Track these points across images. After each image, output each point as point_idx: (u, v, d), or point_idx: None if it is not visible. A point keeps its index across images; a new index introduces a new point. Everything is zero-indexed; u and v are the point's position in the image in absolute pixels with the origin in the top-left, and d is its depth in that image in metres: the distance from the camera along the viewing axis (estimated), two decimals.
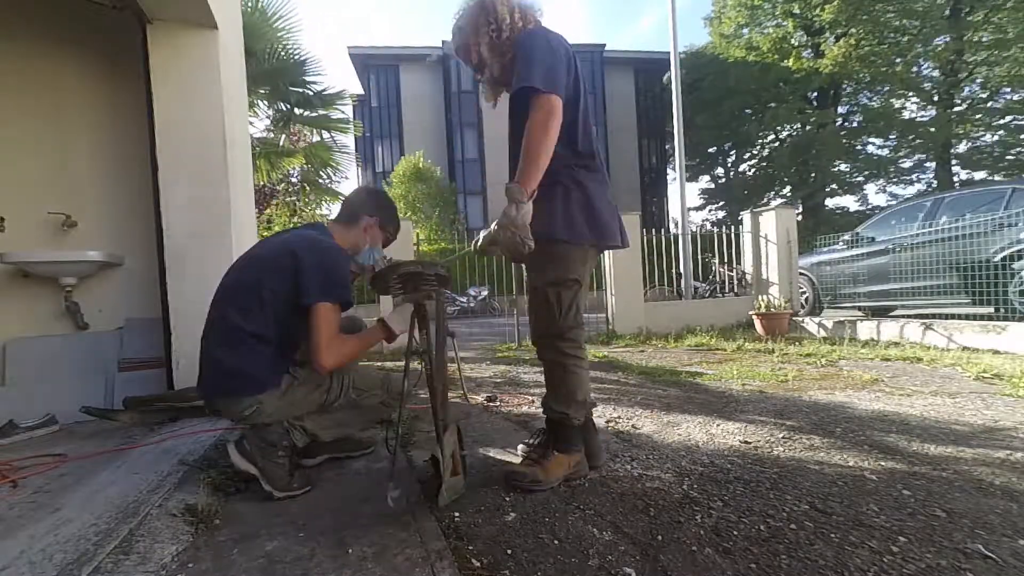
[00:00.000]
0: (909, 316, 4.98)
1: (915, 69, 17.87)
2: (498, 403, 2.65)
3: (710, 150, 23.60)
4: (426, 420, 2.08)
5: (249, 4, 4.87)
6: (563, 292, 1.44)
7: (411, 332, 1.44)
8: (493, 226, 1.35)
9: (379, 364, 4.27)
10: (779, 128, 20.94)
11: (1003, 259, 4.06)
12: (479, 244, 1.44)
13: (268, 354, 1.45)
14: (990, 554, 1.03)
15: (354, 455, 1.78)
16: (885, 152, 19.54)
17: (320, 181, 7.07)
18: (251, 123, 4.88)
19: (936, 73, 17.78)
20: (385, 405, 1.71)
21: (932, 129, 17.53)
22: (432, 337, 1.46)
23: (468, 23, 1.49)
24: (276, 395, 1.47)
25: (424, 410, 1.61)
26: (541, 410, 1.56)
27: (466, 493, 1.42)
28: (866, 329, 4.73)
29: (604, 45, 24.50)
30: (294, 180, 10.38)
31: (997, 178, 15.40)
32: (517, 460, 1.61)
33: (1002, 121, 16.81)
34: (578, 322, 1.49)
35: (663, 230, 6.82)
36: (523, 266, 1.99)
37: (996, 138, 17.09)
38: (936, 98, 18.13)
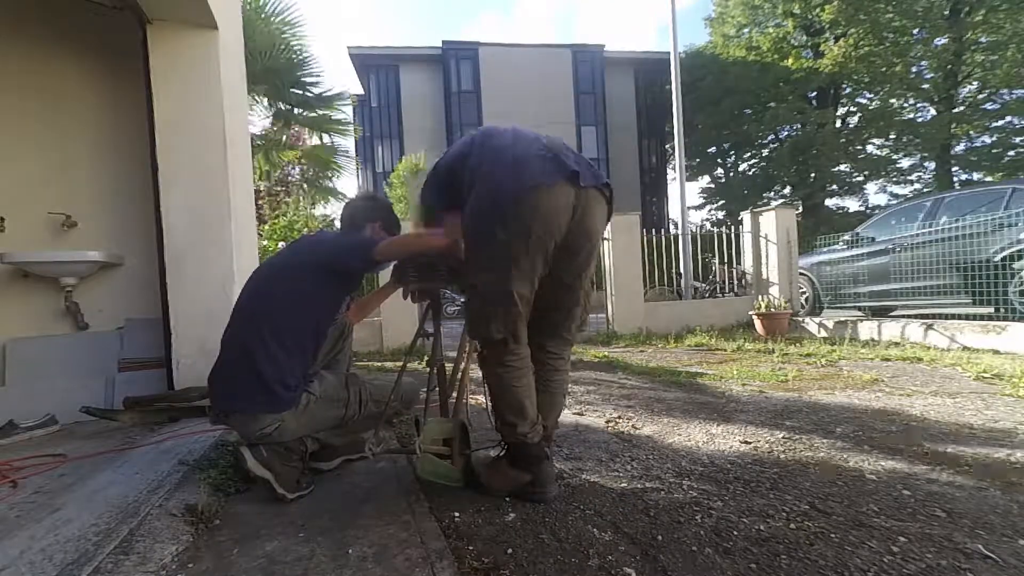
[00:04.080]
0: (909, 316, 4.98)
1: (914, 70, 17.84)
2: None
3: (710, 150, 23.54)
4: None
5: (247, 2, 4.86)
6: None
7: (423, 322, 1.66)
8: None
9: (378, 364, 4.27)
10: (779, 128, 20.91)
11: (1003, 259, 4.06)
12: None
13: (289, 369, 1.43)
14: (990, 554, 1.03)
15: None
16: (885, 152, 19.53)
17: (320, 181, 7.08)
18: (251, 120, 4.87)
19: (935, 75, 17.74)
20: (399, 414, 1.75)
21: (923, 130, 17.52)
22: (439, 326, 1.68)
23: None
24: (295, 413, 1.44)
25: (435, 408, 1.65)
26: None
27: (466, 493, 1.42)
28: (866, 329, 4.73)
29: (604, 45, 24.43)
30: (294, 180, 10.41)
31: (994, 178, 15.39)
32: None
33: (1000, 123, 16.80)
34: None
35: (663, 230, 6.81)
36: None
37: (994, 139, 17.08)
38: (936, 99, 18.12)
